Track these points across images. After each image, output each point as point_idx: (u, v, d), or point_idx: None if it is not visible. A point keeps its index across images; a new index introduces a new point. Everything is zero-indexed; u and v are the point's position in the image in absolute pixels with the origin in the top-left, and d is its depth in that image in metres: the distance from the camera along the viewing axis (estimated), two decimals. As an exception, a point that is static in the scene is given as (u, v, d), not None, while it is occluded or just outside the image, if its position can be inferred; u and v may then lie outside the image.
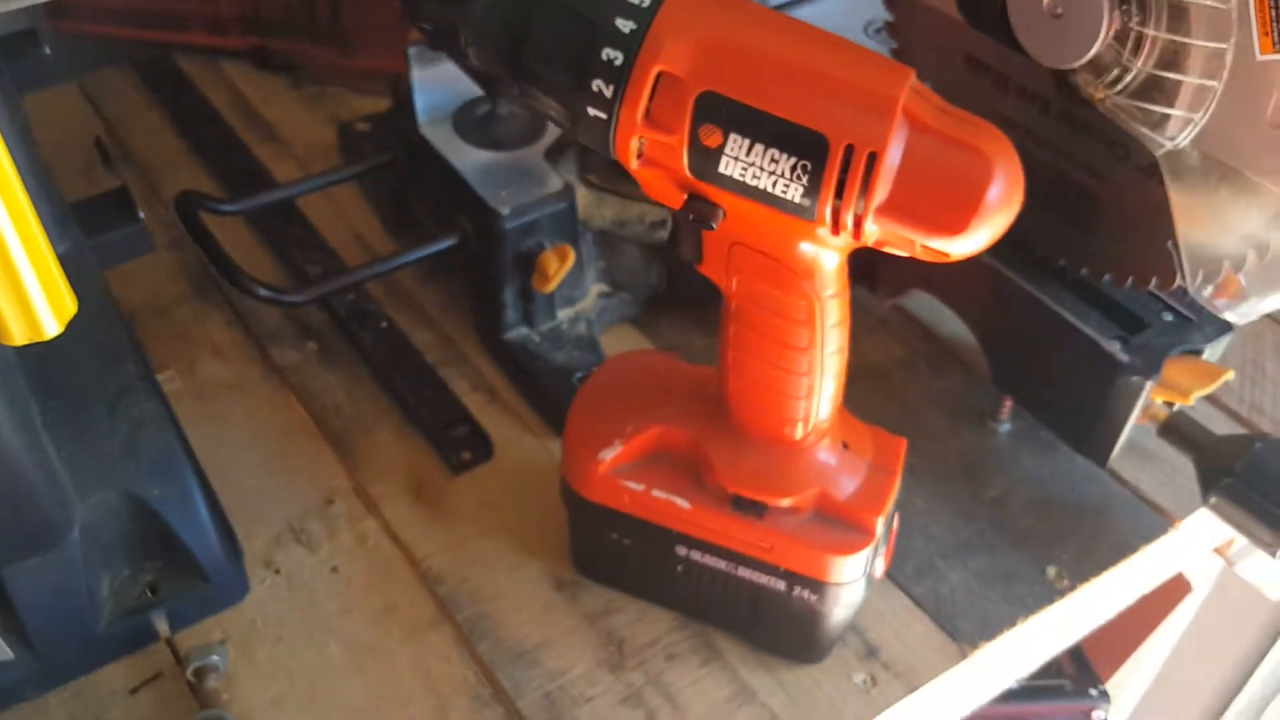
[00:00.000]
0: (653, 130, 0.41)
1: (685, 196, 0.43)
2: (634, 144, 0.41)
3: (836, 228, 0.41)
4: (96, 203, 0.60)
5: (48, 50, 0.68)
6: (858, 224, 0.40)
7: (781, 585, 0.52)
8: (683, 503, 0.52)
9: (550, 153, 0.68)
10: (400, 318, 0.72)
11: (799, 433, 0.50)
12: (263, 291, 0.62)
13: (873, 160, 0.39)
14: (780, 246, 0.43)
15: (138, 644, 0.56)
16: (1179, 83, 0.49)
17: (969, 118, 0.40)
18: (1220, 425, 0.67)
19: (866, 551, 0.50)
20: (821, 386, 0.48)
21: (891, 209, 0.40)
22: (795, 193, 0.40)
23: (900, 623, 0.58)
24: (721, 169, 0.41)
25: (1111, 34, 0.50)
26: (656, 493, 0.52)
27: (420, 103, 0.68)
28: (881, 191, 0.39)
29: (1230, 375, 0.57)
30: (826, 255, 0.44)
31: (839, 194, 0.40)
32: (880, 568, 0.53)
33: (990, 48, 0.57)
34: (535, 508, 0.61)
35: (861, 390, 0.68)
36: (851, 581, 0.51)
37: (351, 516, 0.62)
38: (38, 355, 0.51)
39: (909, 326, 0.73)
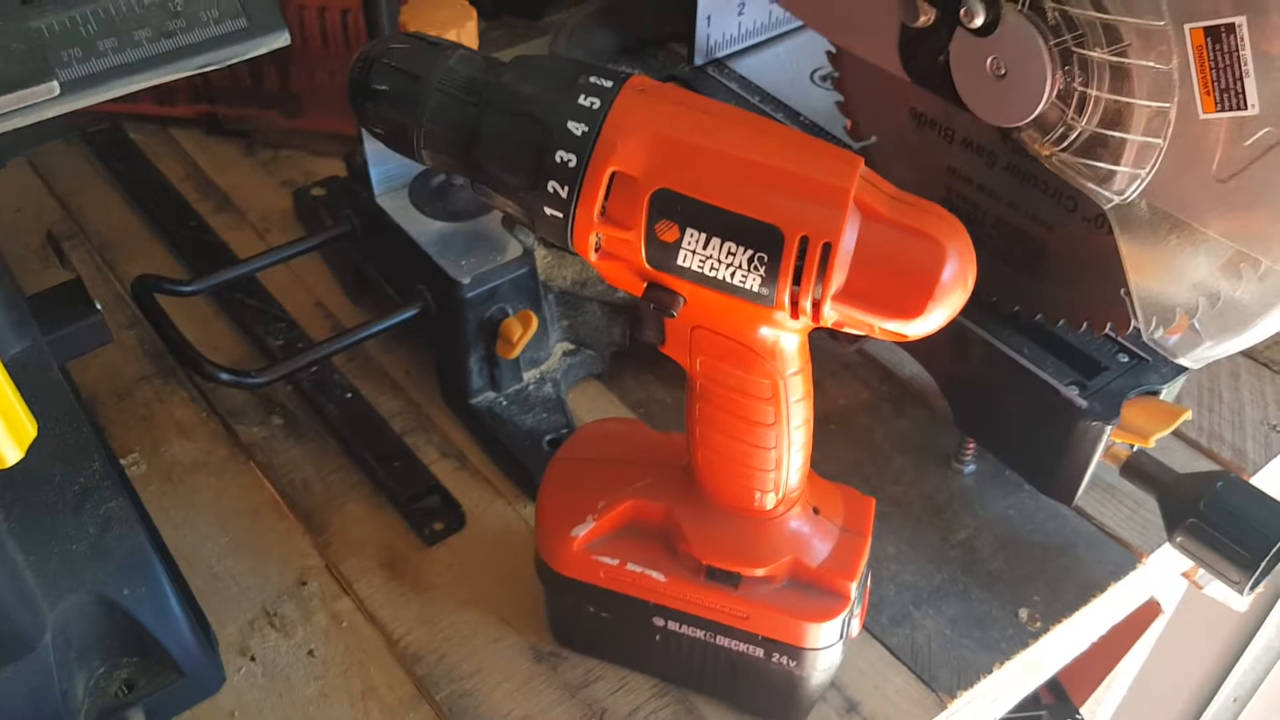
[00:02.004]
0: (609, 227, 0.41)
1: (645, 285, 0.43)
2: (592, 239, 0.42)
3: (795, 313, 0.41)
4: (51, 296, 0.59)
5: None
6: (816, 309, 0.41)
7: (760, 652, 0.52)
8: (658, 576, 0.52)
9: (507, 219, 0.68)
10: (365, 386, 0.72)
11: (770, 503, 0.50)
12: (224, 376, 0.62)
13: (827, 250, 0.39)
14: (741, 330, 0.44)
15: (116, 744, 0.55)
16: (1123, 141, 0.50)
17: (920, 203, 0.41)
18: (1179, 454, 0.68)
19: (842, 616, 0.51)
20: (789, 458, 0.48)
21: (849, 295, 0.40)
22: (753, 282, 0.41)
23: (879, 675, 0.58)
24: (679, 261, 0.41)
25: (1055, 94, 0.51)
26: (631, 566, 0.52)
27: (375, 174, 0.68)
28: (838, 279, 0.40)
29: (1189, 415, 0.58)
30: (786, 337, 0.44)
31: (796, 281, 0.40)
32: (856, 627, 0.54)
33: (935, 103, 0.58)
34: (511, 575, 0.61)
35: (827, 435, 0.69)
36: (829, 646, 0.51)
37: (325, 596, 0.61)
38: (-1, 463, 0.50)
39: (871, 369, 0.74)
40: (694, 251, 0.41)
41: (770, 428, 0.47)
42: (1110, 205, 0.52)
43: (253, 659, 0.59)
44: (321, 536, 0.64)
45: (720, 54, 0.79)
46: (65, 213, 0.83)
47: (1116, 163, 0.50)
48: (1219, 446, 0.69)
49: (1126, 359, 0.60)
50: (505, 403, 0.69)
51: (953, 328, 0.62)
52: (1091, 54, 0.48)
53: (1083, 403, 0.58)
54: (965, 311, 0.62)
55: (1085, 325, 0.58)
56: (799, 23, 0.81)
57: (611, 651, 0.57)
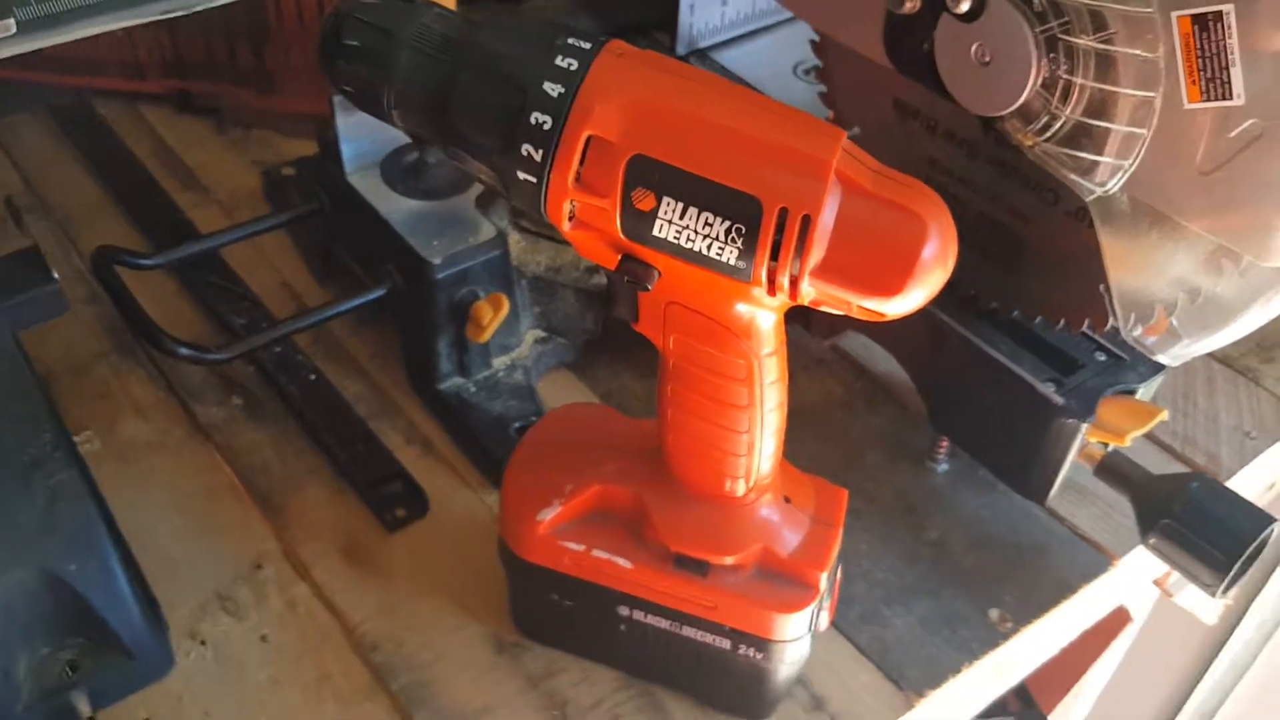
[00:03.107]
0: (584, 194, 0.40)
1: (619, 257, 0.42)
2: (566, 207, 0.41)
3: (773, 289, 0.40)
4: (7, 263, 0.57)
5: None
6: (793, 285, 0.40)
7: (726, 644, 0.51)
8: (624, 563, 0.51)
9: (481, 200, 0.67)
10: (330, 368, 0.70)
11: (740, 489, 0.49)
12: (184, 351, 0.60)
13: (806, 223, 0.38)
14: (716, 307, 0.43)
15: (59, 726, 0.53)
16: (1107, 130, 0.49)
17: (903, 178, 0.40)
18: (1153, 458, 0.68)
19: (811, 608, 0.49)
20: (761, 443, 0.47)
21: (827, 271, 0.39)
22: (730, 255, 0.40)
23: (846, 672, 0.57)
24: (655, 232, 0.40)
25: (1039, 82, 0.50)
26: (597, 553, 0.51)
27: (347, 151, 0.66)
28: (817, 253, 0.39)
29: (1165, 415, 0.57)
30: (763, 314, 0.43)
31: (774, 256, 0.39)
32: (825, 621, 0.53)
33: (918, 93, 0.57)
34: (473, 564, 0.60)
35: (800, 430, 0.67)
36: (797, 638, 0.50)
37: (281, 581, 0.60)
38: (-55, 428, 0.48)
39: (845, 365, 0.73)
40: (670, 221, 0.39)
41: (743, 410, 0.46)
42: (1092, 197, 0.51)
43: (203, 643, 0.57)
44: (279, 520, 0.62)
45: (703, 44, 0.79)
46: (26, 185, 0.81)
47: (1100, 153, 0.50)
48: (1193, 451, 0.68)
49: (1104, 357, 0.60)
50: (473, 389, 0.67)
51: (929, 322, 0.62)
52: (1077, 41, 0.48)
53: (1059, 400, 0.57)
54: (942, 306, 0.62)
55: (1063, 322, 0.58)
56: (782, 15, 0.81)
57: (575, 642, 0.56)
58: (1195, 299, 0.51)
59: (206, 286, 0.73)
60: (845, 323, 0.70)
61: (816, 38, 0.64)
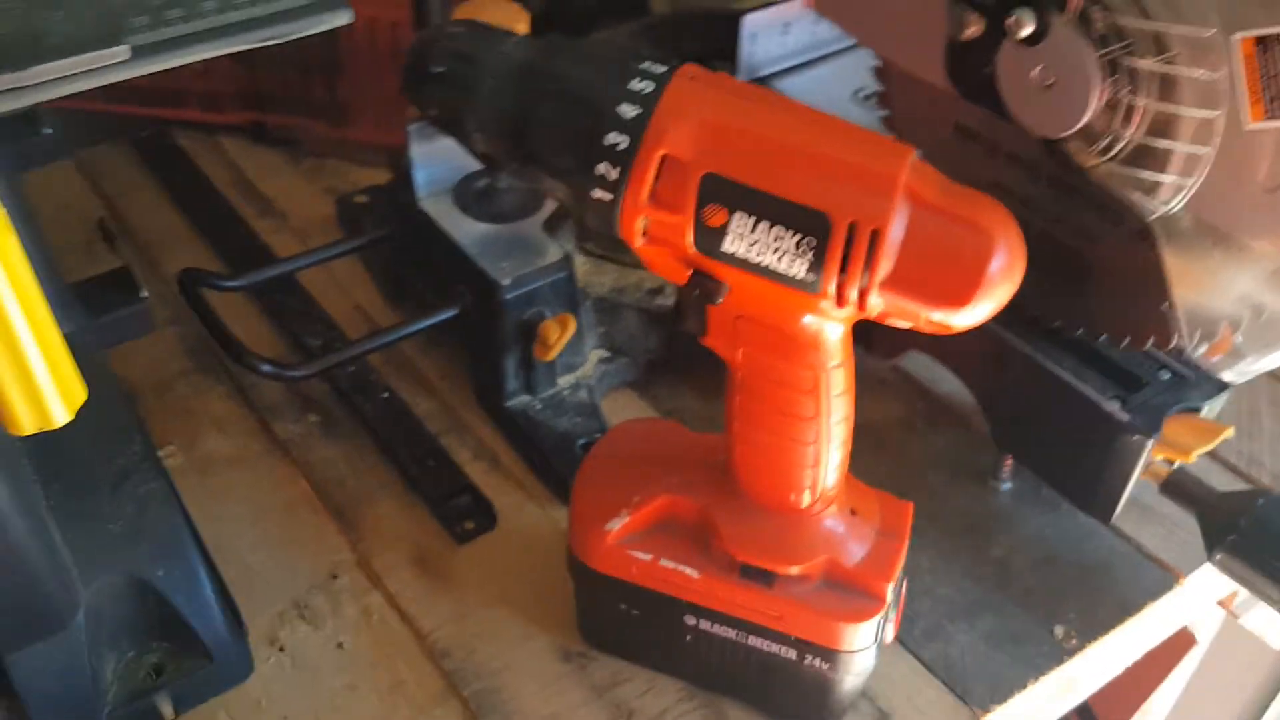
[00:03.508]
0: (658, 211, 0.41)
1: (690, 273, 0.43)
2: (639, 224, 0.42)
3: (841, 301, 0.41)
4: (99, 282, 0.60)
5: (48, 130, 0.69)
6: (862, 297, 0.41)
7: (793, 654, 0.52)
8: (691, 572, 0.52)
9: (549, 224, 0.68)
10: (401, 387, 0.72)
11: (806, 500, 0.50)
12: (266, 367, 0.62)
13: (875, 237, 0.40)
14: (785, 319, 0.44)
15: (143, 727, 0.55)
16: (1170, 150, 0.50)
17: (970, 193, 0.41)
18: (1218, 479, 0.67)
19: (877, 618, 0.50)
20: (828, 455, 0.48)
21: (896, 283, 0.40)
22: (800, 269, 0.41)
23: (911, 687, 0.57)
24: (726, 247, 0.41)
25: (1102, 103, 0.51)
26: (664, 562, 0.52)
27: (420, 177, 0.68)
28: (885, 267, 0.40)
29: (1230, 432, 0.57)
30: (830, 327, 0.44)
31: (843, 269, 0.40)
32: (890, 633, 0.53)
33: (980, 116, 0.58)
34: (540, 577, 0.61)
35: (862, 450, 0.68)
36: (863, 649, 0.51)
37: (356, 590, 0.61)
38: (43, 438, 0.51)
39: (907, 385, 0.74)
40: (741, 236, 0.41)
41: (810, 421, 0.47)
42: (1155, 216, 0.52)
43: (281, 649, 0.59)
44: (353, 532, 0.64)
45: (763, 73, 0.80)
46: (110, 212, 0.84)
47: (1162, 173, 0.51)
48: (1258, 471, 0.68)
49: (1168, 376, 0.60)
50: (539, 406, 0.69)
51: (993, 342, 0.63)
52: (1140, 63, 0.49)
53: (1124, 416, 0.58)
54: (1006, 325, 0.62)
55: (1127, 340, 0.58)
56: (842, 43, 0.82)
57: (640, 652, 0.57)
58: (1259, 316, 0.52)
59: (284, 309, 0.76)
60: (907, 343, 0.71)
61: (878, 64, 0.65)
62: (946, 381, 0.71)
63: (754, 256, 0.41)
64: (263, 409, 0.71)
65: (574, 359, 0.70)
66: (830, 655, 0.51)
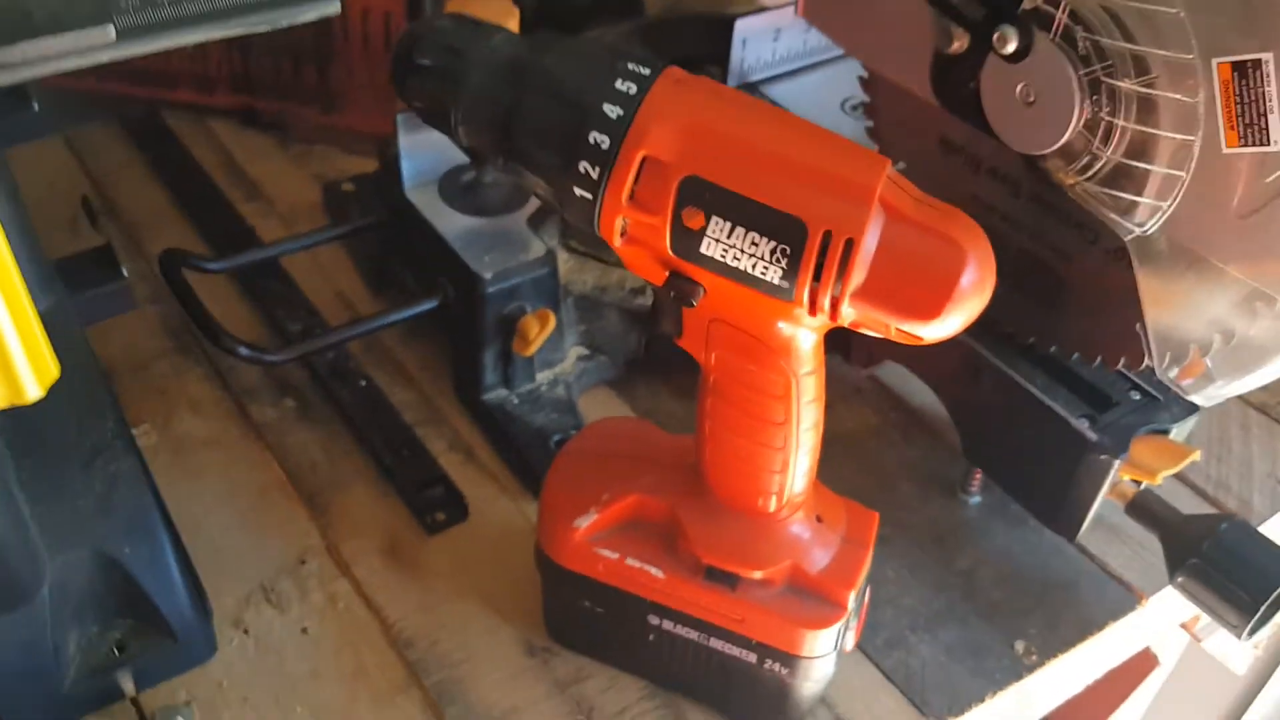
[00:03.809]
0: (637, 211, 0.42)
1: (667, 274, 0.44)
2: (618, 223, 0.42)
3: (814, 309, 0.42)
4: (80, 260, 0.60)
5: (36, 106, 0.69)
6: (834, 306, 0.41)
7: (753, 657, 0.52)
8: (656, 572, 0.52)
9: (533, 219, 0.69)
10: (380, 376, 0.72)
11: (773, 505, 0.50)
12: (243, 350, 0.62)
13: (849, 246, 0.40)
14: (758, 325, 0.44)
15: (103, 702, 0.55)
16: (1147, 172, 0.50)
17: (944, 207, 0.41)
18: (1186, 502, 0.68)
19: (838, 626, 0.50)
20: (796, 461, 0.49)
21: (868, 293, 0.41)
22: (774, 275, 0.41)
23: (870, 696, 0.58)
24: (703, 250, 0.42)
25: (1082, 123, 0.51)
26: (630, 561, 0.52)
27: (407, 168, 0.69)
28: (858, 276, 0.41)
29: (1197, 455, 0.58)
30: (803, 334, 0.45)
31: (816, 277, 0.41)
32: (851, 641, 0.54)
33: (964, 130, 0.58)
34: (509, 570, 0.61)
35: (835, 458, 0.69)
36: (823, 655, 0.51)
37: (324, 576, 0.61)
38: (15, 413, 0.51)
39: (882, 395, 0.74)
40: (718, 240, 0.41)
41: (780, 426, 0.47)
42: (1131, 237, 0.53)
43: (246, 632, 0.59)
44: (324, 518, 0.64)
45: (753, 78, 0.81)
46: (97, 191, 0.84)
47: (1139, 194, 0.51)
48: (1225, 496, 0.68)
49: (1139, 396, 0.60)
50: (517, 400, 0.69)
51: (966, 354, 0.63)
52: (1120, 84, 0.49)
53: (1093, 435, 0.58)
54: (979, 339, 0.63)
55: (1099, 359, 0.59)
56: (832, 52, 0.83)
57: (604, 649, 0.57)
58: (1229, 341, 0.52)
59: (266, 294, 0.76)
60: (884, 353, 0.72)
61: (866, 74, 0.65)
62: (922, 393, 0.71)
63: (730, 261, 0.41)
64: (240, 392, 0.71)
65: (553, 355, 0.70)
66: (790, 660, 0.51)
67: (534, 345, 0.66)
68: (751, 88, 0.81)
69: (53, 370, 0.41)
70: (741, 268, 0.41)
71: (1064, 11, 0.50)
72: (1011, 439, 0.63)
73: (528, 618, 0.59)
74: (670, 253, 0.42)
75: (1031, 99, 0.53)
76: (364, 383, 0.71)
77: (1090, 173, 0.53)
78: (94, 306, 0.60)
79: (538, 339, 0.65)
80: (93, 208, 0.74)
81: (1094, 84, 0.50)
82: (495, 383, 0.69)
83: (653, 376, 0.73)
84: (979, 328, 0.62)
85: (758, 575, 0.51)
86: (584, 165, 0.41)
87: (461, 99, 0.43)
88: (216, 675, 0.57)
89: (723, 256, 0.41)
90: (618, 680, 0.57)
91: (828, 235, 0.40)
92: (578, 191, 0.42)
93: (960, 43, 0.55)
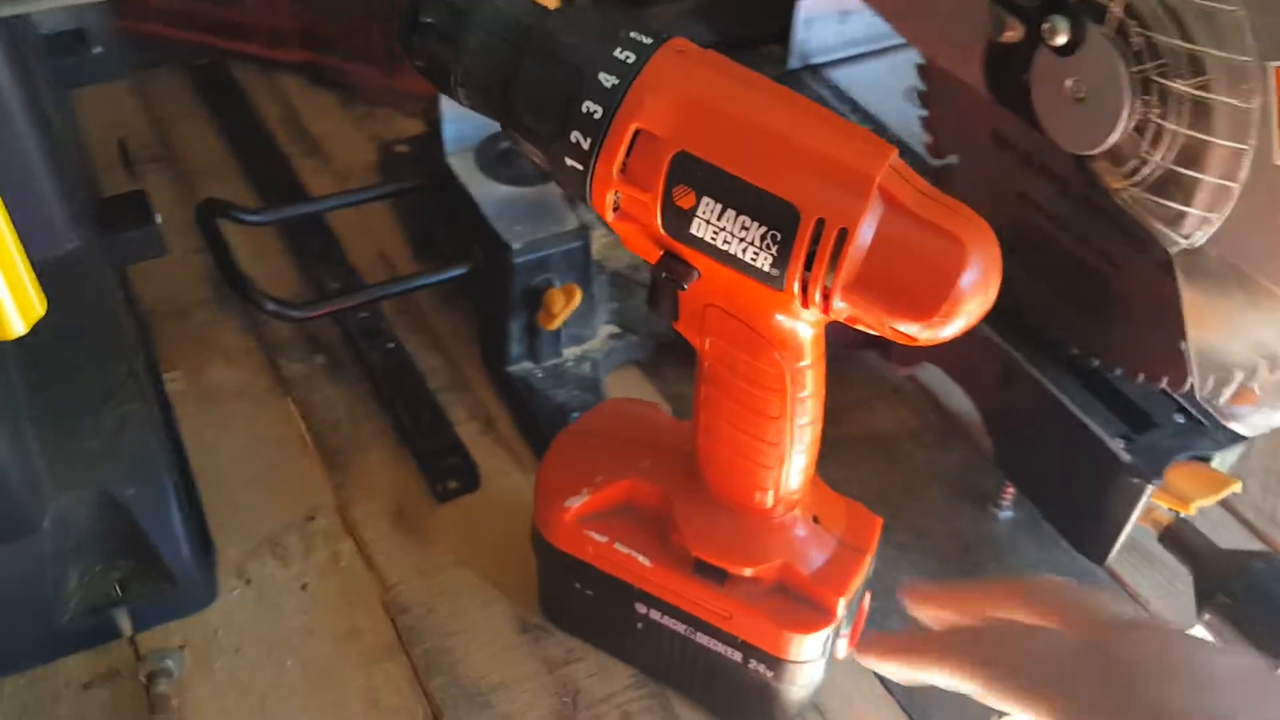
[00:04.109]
0: (628, 186, 0.40)
1: (661, 254, 0.42)
2: (609, 197, 0.41)
3: (805, 300, 0.40)
4: (115, 203, 0.61)
5: (98, 50, 0.70)
6: (825, 298, 0.39)
7: (738, 656, 0.50)
8: (644, 560, 0.50)
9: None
10: (411, 340, 0.72)
11: (768, 501, 0.49)
12: (269, 305, 0.62)
13: (843, 236, 0.38)
14: (752, 313, 0.42)
15: (100, 639, 0.56)
16: (1197, 180, 0.47)
17: (949, 201, 0.39)
18: (1232, 532, 0.64)
19: (826, 632, 0.48)
20: (792, 457, 0.47)
21: (860, 287, 0.39)
22: (764, 261, 0.39)
23: (868, 708, 0.56)
24: (693, 230, 0.40)
25: (1132, 124, 0.48)
26: (619, 546, 0.51)
27: (449, 132, 0.68)
28: (850, 268, 0.38)
29: (1237, 487, 0.54)
30: (800, 326, 0.42)
31: (808, 267, 0.39)
32: (843, 648, 0.52)
33: (1016, 126, 0.55)
34: (514, 545, 0.60)
35: (866, 456, 0.67)
36: (809, 661, 0.49)
37: (330, 534, 0.62)
38: (36, 350, 0.52)
39: (922, 397, 0.71)
40: (708, 221, 0.39)
41: (775, 420, 0.45)
42: (1177, 249, 0.49)
43: (248, 583, 0.59)
44: (339, 477, 0.65)
45: (816, 60, 0.78)
46: (157, 136, 0.86)
47: (1188, 204, 0.48)
48: (1274, 530, 0.64)
49: (1182, 420, 0.57)
50: (541, 375, 0.68)
51: (1002, 359, 0.60)
52: (1172, 85, 0.46)
53: (1127, 457, 0.55)
54: (1018, 346, 0.60)
55: (1141, 376, 0.55)
56: (901, 39, 0.79)
57: (595, 634, 0.56)
58: (1276, 367, 0.49)
59: (307, 249, 0.76)
60: (921, 353, 0.69)
61: (922, 62, 0.63)
62: (963, 398, 0.68)
63: (720, 244, 0.40)
64: (272, 345, 0.71)
65: (582, 331, 0.69)
66: (774, 663, 0.49)
67: (558, 319, 0.65)
68: (814, 69, 0.78)
69: (38, 309, 0.41)
70: (732, 251, 0.40)
71: (1120, 4, 0.47)
72: (1044, 452, 0.60)
73: (525, 595, 0.59)
74: (662, 232, 0.41)
75: (1081, 95, 0.50)
76: (392, 345, 0.71)
77: (1138, 178, 0.49)
78: (125, 249, 0.60)
79: (563, 313, 0.64)
80: (128, 152, 0.75)
81: (1145, 83, 0.47)
82: (520, 354, 0.68)
83: (685, 361, 0.71)
84: (1019, 333, 0.59)
85: (747, 572, 0.49)
86: (576, 135, 0.40)
87: (462, 60, 0.42)
88: (214, 622, 0.57)
89: (713, 239, 0.40)
90: (607, 666, 0.56)
91: (821, 223, 0.38)
92: (569, 162, 0.41)
93: (1014, 32, 0.52)
